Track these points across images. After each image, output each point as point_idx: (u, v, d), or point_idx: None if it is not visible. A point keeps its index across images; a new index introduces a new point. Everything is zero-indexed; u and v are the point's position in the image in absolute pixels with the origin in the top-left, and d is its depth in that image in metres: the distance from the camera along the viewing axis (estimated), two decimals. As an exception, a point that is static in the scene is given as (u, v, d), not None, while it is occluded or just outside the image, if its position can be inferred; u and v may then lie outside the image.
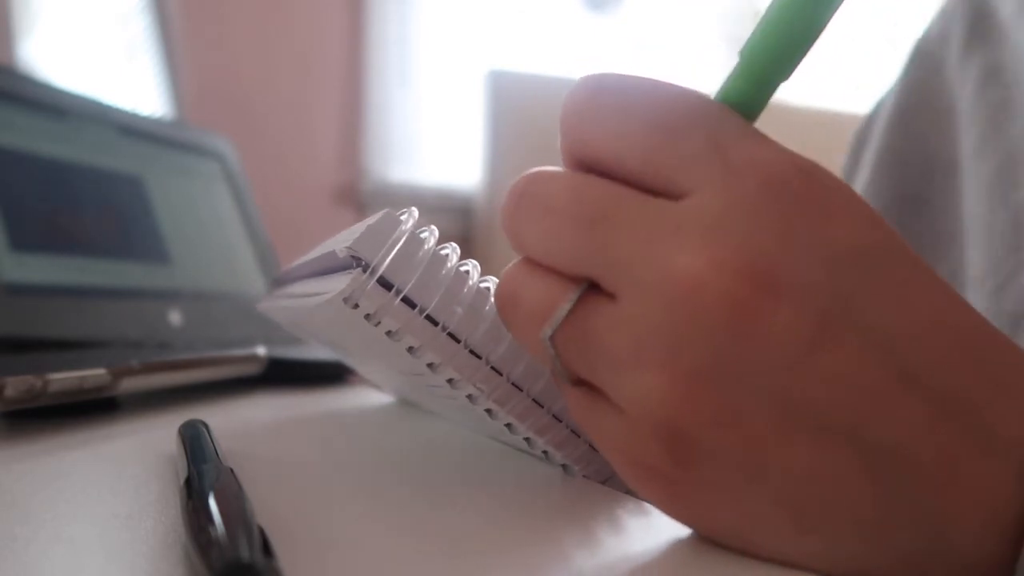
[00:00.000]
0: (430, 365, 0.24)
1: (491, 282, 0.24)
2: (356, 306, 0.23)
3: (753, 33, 0.20)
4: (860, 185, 0.45)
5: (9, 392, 0.30)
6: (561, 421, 0.25)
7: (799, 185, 0.18)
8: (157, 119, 0.70)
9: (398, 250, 0.23)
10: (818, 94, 2.26)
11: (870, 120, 0.48)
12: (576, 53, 2.02)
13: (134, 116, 0.64)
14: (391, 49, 1.84)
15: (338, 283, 0.23)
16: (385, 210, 0.23)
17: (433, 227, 0.24)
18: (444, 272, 0.23)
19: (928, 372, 0.18)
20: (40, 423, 0.33)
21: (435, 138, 1.91)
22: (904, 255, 0.19)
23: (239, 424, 0.36)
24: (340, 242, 0.24)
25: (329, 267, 0.26)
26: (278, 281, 0.39)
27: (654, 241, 0.18)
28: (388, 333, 0.23)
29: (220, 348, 0.46)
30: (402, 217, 0.23)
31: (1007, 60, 0.41)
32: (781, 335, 0.17)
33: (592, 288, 0.20)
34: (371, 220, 0.23)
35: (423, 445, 0.31)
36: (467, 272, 0.24)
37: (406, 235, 0.23)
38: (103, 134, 0.58)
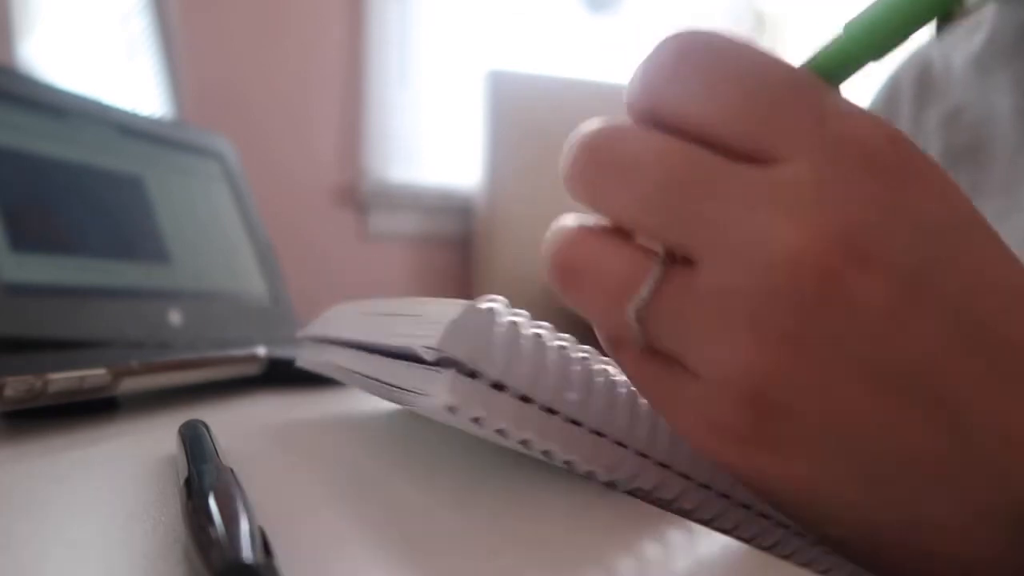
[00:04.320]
0: (546, 453, 0.22)
1: (588, 353, 0.23)
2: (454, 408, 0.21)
3: (864, 10, 0.20)
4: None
5: (9, 392, 0.30)
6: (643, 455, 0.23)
7: (892, 158, 0.19)
8: (157, 119, 0.70)
9: (505, 348, 0.21)
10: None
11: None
12: (576, 53, 2.02)
13: (134, 116, 0.64)
14: (391, 49, 1.84)
15: (430, 383, 0.22)
16: (465, 303, 0.21)
17: (521, 311, 0.22)
18: (550, 359, 0.22)
19: (1002, 341, 0.19)
20: (40, 423, 0.33)
21: (435, 138, 1.91)
22: (984, 230, 0.20)
23: (239, 424, 0.36)
24: (409, 327, 0.23)
25: (402, 352, 0.24)
26: (315, 336, 0.37)
27: (750, 209, 0.18)
28: (499, 431, 0.22)
29: (220, 348, 0.46)
30: (492, 309, 0.22)
31: (964, 104, 0.43)
32: (869, 304, 0.18)
33: (669, 255, 0.20)
34: (452, 312, 0.21)
35: (427, 445, 0.31)
36: (569, 351, 0.22)
37: (505, 329, 0.21)
38: (103, 134, 0.58)
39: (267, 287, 0.70)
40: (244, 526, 0.16)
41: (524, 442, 0.22)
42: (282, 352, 0.49)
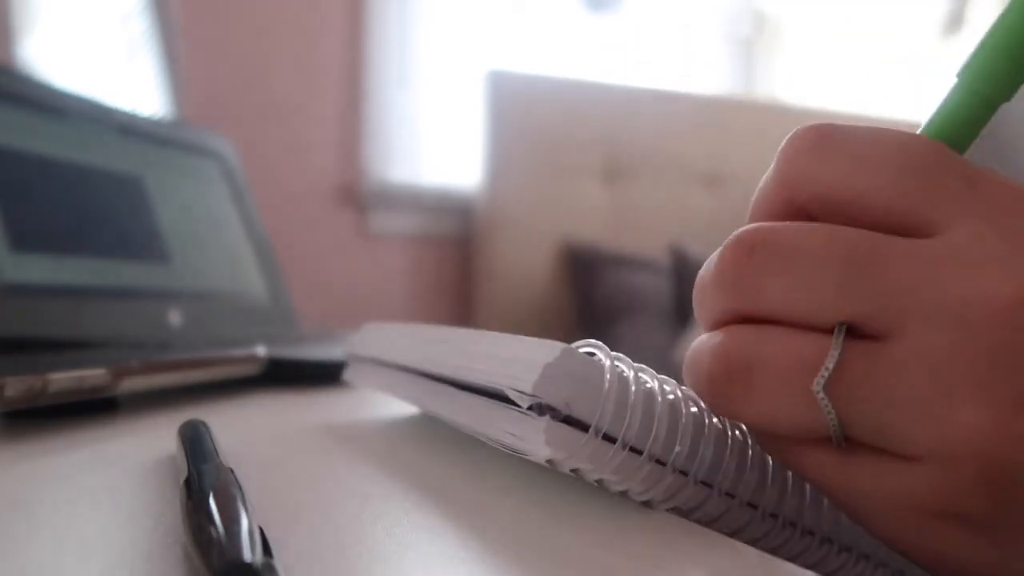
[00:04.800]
0: (646, 502, 0.22)
1: (694, 400, 0.22)
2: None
3: (973, 54, 0.20)
4: None
5: (9, 392, 0.30)
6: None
7: None
8: (157, 119, 0.70)
9: (615, 400, 0.20)
10: (820, 95, 2.26)
11: None
12: (576, 53, 2.02)
13: (134, 116, 0.64)
14: (391, 49, 1.84)
15: (521, 428, 0.21)
16: (562, 346, 0.20)
17: (620, 356, 0.21)
18: (659, 408, 0.20)
19: None
20: (40, 423, 0.33)
21: (435, 138, 1.91)
22: None
23: (239, 424, 0.36)
24: (494, 364, 0.22)
25: (472, 386, 0.24)
26: (364, 356, 0.36)
27: (940, 272, 0.18)
28: (598, 481, 0.21)
29: (220, 348, 0.46)
30: (598, 357, 0.21)
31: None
32: None
33: (851, 333, 0.18)
34: (546, 357, 0.20)
35: (428, 446, 0.31)
36: (676, 398, 0.21)
37: (616, 380, 0.20)
38: (103, 134, 0.58)
39: (267, 287, 0.70)
40: (244, 526, 0.16)
41: (600, 481, 0.21)
42: (282, 352, 0.49)
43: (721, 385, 0.20)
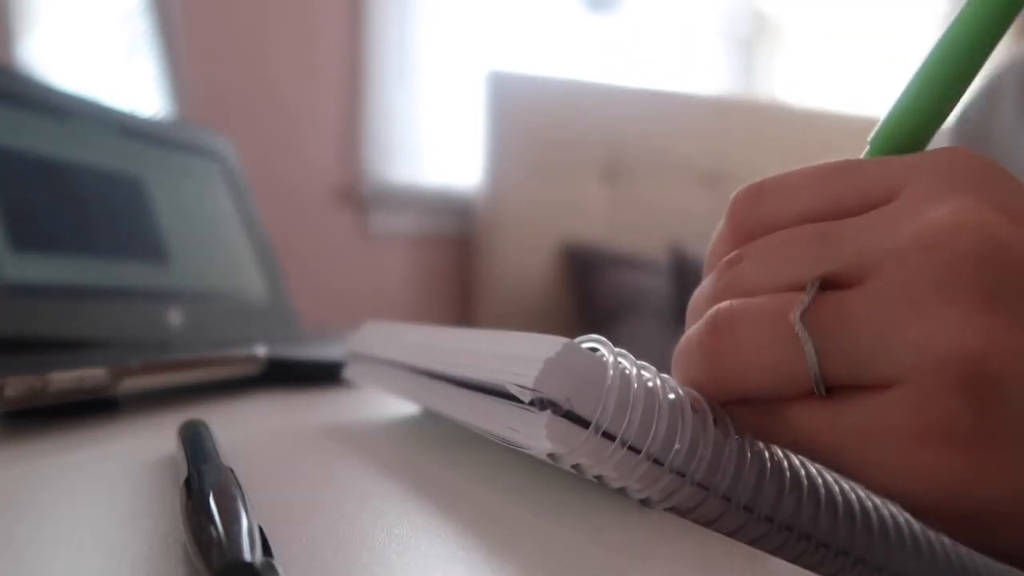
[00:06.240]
0: (644, 500, 0.22)
1: (695, 399, 0.22)
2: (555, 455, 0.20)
3: (914, 78, 0.23)
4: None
5: (9, 392, 0.30)
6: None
7: (978, 160, 0.20)
8: (157, 119, 0.70)
9: (616, 396, 0.20)
10: (820, 95, 2.26)
11: (980, 105, 0.50)
12: (576, 53, 2.02)
13: (134, 116, 0.64)
14: (391, 49, 1.84)
15: (523, 424, 0.20)
16: (563, 340, 0.20)
17: (623, 352, 0.21)
18: (660, 407, 0.20)
19: None
20: (40, 423, 0.33)
21: (435, 138, 1.91)
22: None
23: (239, 424, 0.36)
24: (495, 361, 0.22)
25: (473, 382, 0.23)
26: (365, 354, 0.36)
27: (890, 222, 0.19)
28: (597, 478, 0.21)
29: (220, 348, 0.46)
30: (600, 353, 0.21)
31: None
32: None
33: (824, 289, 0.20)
34: (547, 352, 0.20)
35: (428, 446, 0.31)
36: (677, 397, 0.21)
37: (618, 376, 0.20)
38: (103, 134, 0.58)
39: (267, 287, 0.70)
40: (244, 526, 0.16)
41: (600, 477, 0.21)
42: (282, 352, 0.49)
43: (707, 342, 0.21)
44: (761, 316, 0.20)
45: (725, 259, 0.22)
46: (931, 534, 0.24)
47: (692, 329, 0.22)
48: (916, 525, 0.24)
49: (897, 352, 0.18)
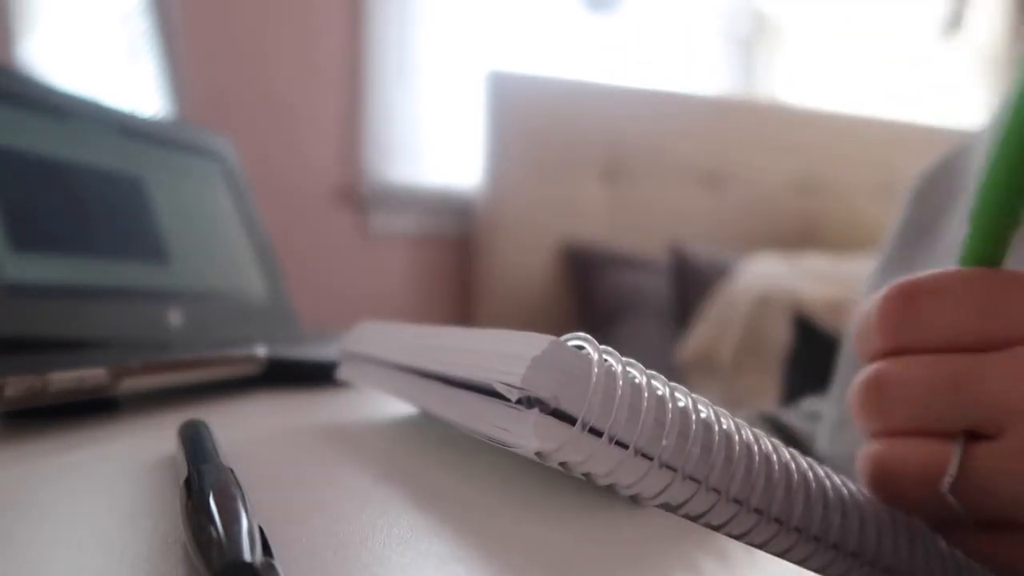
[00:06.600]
0: (633, 496, 0.22)
1: (682, 394, 0.22)
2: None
3: (978, 192, 0.24)
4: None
5: (9, 392, 0.30)
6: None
7: None
8: (157, 119, 0.70)
9: (602, 393, 0.20)
10: (820, 95, 2.26)
11: (954, 163, 0.49)
12: (576, 53, 2.02)
13: (134, 116, 0.64)
14: (391, 49, 1.84)
15: (511, 422, 0.21)
16: (549, 338, 0.20)
17: (608, 349, 0.21)
18: (646, 403, 0.21)
19: None
20: (40, 423, 0.33)
21: (435, 138, 1.91)
22: None
23: (239, 424, 0.36)
24: (483, 359, 0.22)
25: (462, 381, 0.24)
26: (358, 353, 0.36)
27: (1020, 374, 0.22)
28: (586, 475, 0.21)
29: (220, 348, 0.46)
30: (586, 351, 0.21)
31: None
32: None
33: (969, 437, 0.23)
34: (533, 351, 0.20)
35: (428, 446, 0.31)
36: (664, 393, 0.21)
37: (604, 373, 0.20)
38: (103, 134, 0.58)
39: (267, 287, 0.70)
40: (244, 526, 0.16)
41: (587, 475, 0.21)
42: (282, 352, 0.49)
43: (879, 481, 0.25)
44: (914, 478, 0.24)
45: (874, 376, 0.25)
46: (918, 525, 0.24)
47: (865, 467, 0.26)
48: (901, 515, 0.24)
49: None
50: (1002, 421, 0.22)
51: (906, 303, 0.25)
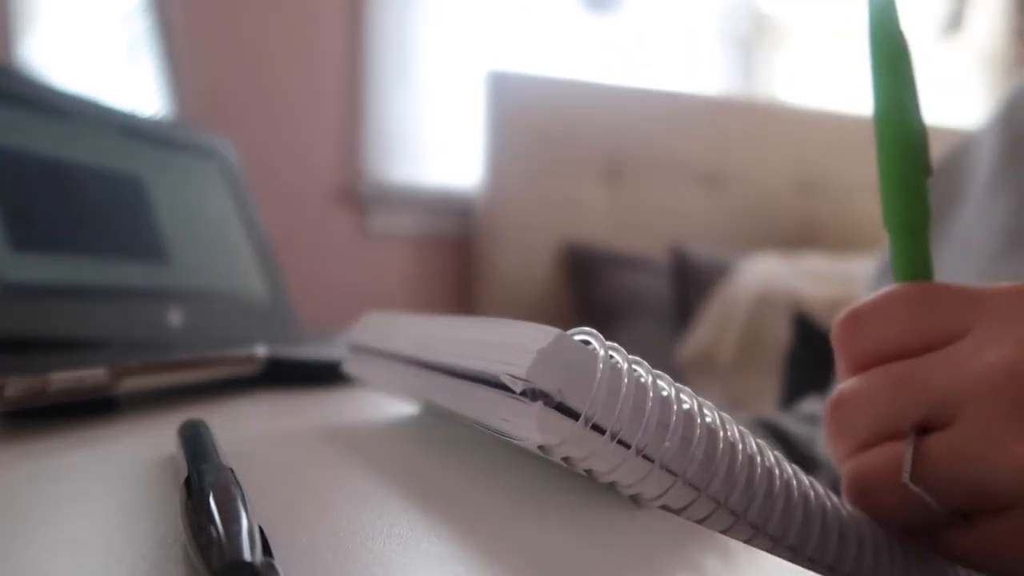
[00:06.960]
0: (634, 497, 0.22)
1: (688, 396, 0.22)
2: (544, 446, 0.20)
3: (881, 203, 0.26)
4: (971, 213, 0.46)
5: (9, 392, 0.30)
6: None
7: None
8: (157, 119, 0.70)
9: (606, 389, 0.20)
10: (820, 95, 2.26)
11: (959, 158, 0.50)
12: (576, 53, 2.02)
13: (134, 116, 0.64)
14: (391, 49, 1.84)
15: (515, 414, 0.20)
16: (556, 331, 0.20)
17: (615, 346, 0.21)
18: (651, 402, 0.20)
19: None
20: (40, 423, 0.33)
21: (435, 138, 1.91)
22: None
23: (239, 424, 0.36)
24: (489, 351, 0.22)
25: (478, 375, 0.23)
26: (363, 346, 0.36)
27: (963, 364, 0.23)
28: (588, 472, 0.21)
29: (220, 348, 0.46)
30: (591, 346, 0.21)
31: None
32: None
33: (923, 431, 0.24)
34: (539, 343, 0.20)
35: (428, 445, 0.31)
36: (669, 394, 0.21)
37: (609, 369, 0.20)
38: (103, 134, 0.58)
39: (267, 287, 0.70)
40: (244, 526, 0.16)
41: (590, 471, 0.21)
42: (282, 352, 0.49)
43: (855, 505, 0.26)
44: (884, 482, 0.24)
45: (832, 400, 0.27)
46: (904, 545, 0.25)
47: (844, 486, 0.26)
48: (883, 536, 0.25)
49: (1001, 481, 0.22)
50: (950, 411, 0.23)
51: (851, 326, 0.26)
